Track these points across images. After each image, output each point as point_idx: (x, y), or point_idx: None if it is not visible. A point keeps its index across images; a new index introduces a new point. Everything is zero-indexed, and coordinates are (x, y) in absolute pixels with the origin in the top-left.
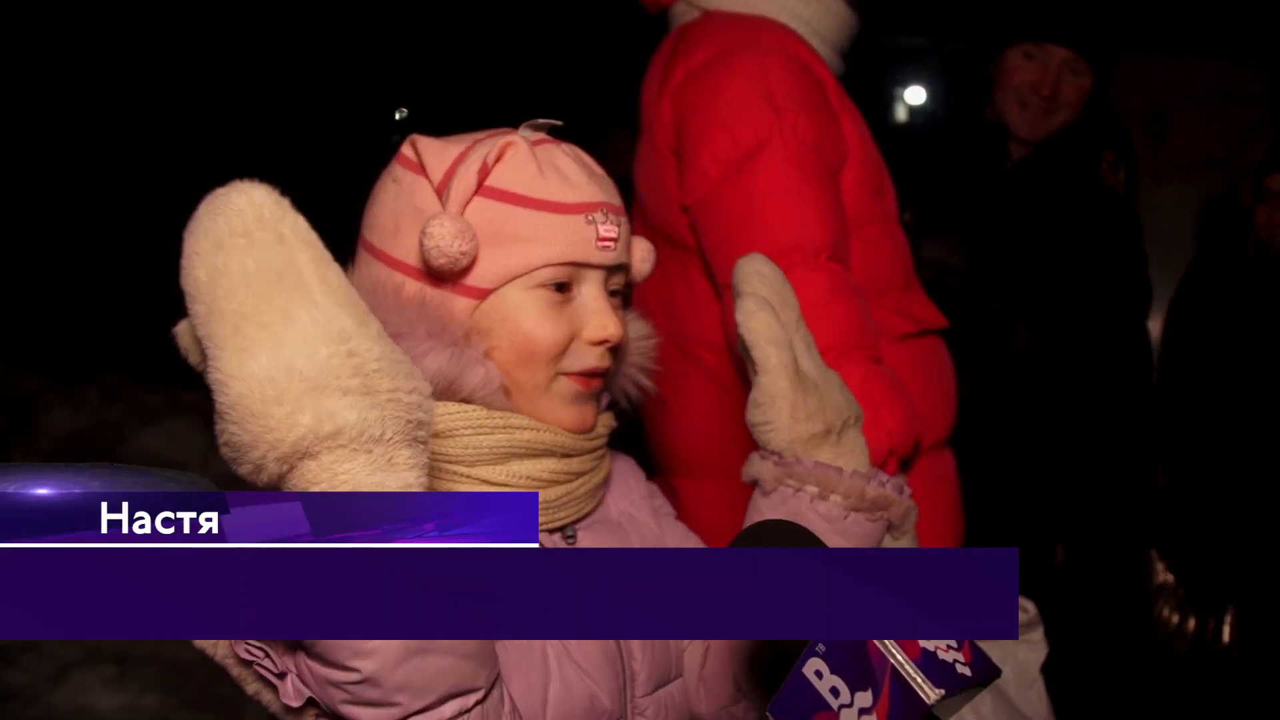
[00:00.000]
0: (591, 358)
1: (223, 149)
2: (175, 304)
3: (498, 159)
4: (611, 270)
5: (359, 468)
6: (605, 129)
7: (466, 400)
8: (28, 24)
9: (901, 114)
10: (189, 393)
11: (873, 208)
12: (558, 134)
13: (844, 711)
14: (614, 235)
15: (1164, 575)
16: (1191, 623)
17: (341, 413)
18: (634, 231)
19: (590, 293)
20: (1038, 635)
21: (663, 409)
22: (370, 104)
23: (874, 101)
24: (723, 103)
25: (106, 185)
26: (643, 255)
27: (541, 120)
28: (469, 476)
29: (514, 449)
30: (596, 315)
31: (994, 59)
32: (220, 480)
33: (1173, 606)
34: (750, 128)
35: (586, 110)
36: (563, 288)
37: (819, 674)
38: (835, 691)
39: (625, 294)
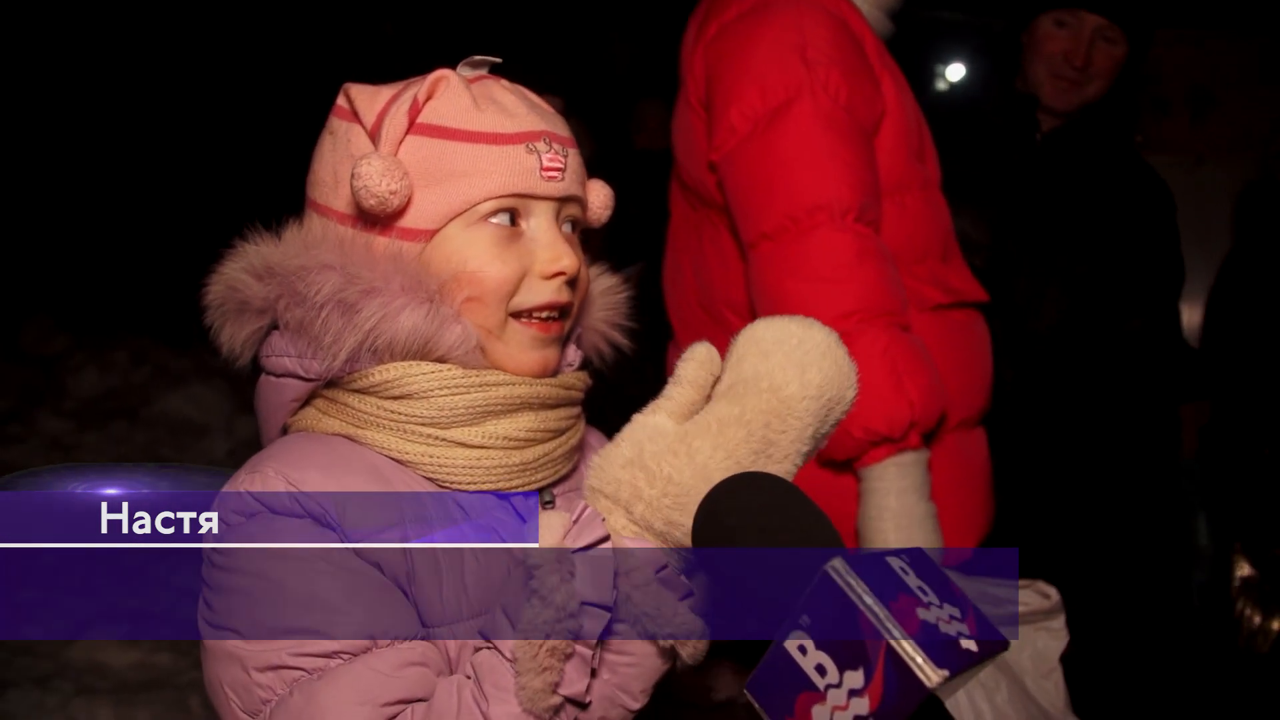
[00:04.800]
0: (547, 291)
1: (249, 118)
2: (205, 268)
3: (429, 96)
4: (563, 202)
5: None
6: (638, 99)
7: (442, 360)
8: None
9: (941, 90)
10: (216, 357)
11: (911, 172)
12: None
13: (831, 692)
14: (559, 165)
15: (1249, 571)
16: (1277, 622)
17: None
18: (670, 193)
19: (540, 225)
20: (1059, 623)
21: None
22: (399, 69)
23: (912, 78)
24: (754, 56)
25: (142, 150)
26: (603, 201)
27: (479, 57)
28: (444, 439)
29: (490, 407)
30: (548, 247)
31: (1025, 27)
32: (244, 444)
33: (1255, 604)
34: (780, 82)
35: (620, 81)
36: (506, 219)
37: (803, 649)
38: (821, 670)
39: (591, 240)
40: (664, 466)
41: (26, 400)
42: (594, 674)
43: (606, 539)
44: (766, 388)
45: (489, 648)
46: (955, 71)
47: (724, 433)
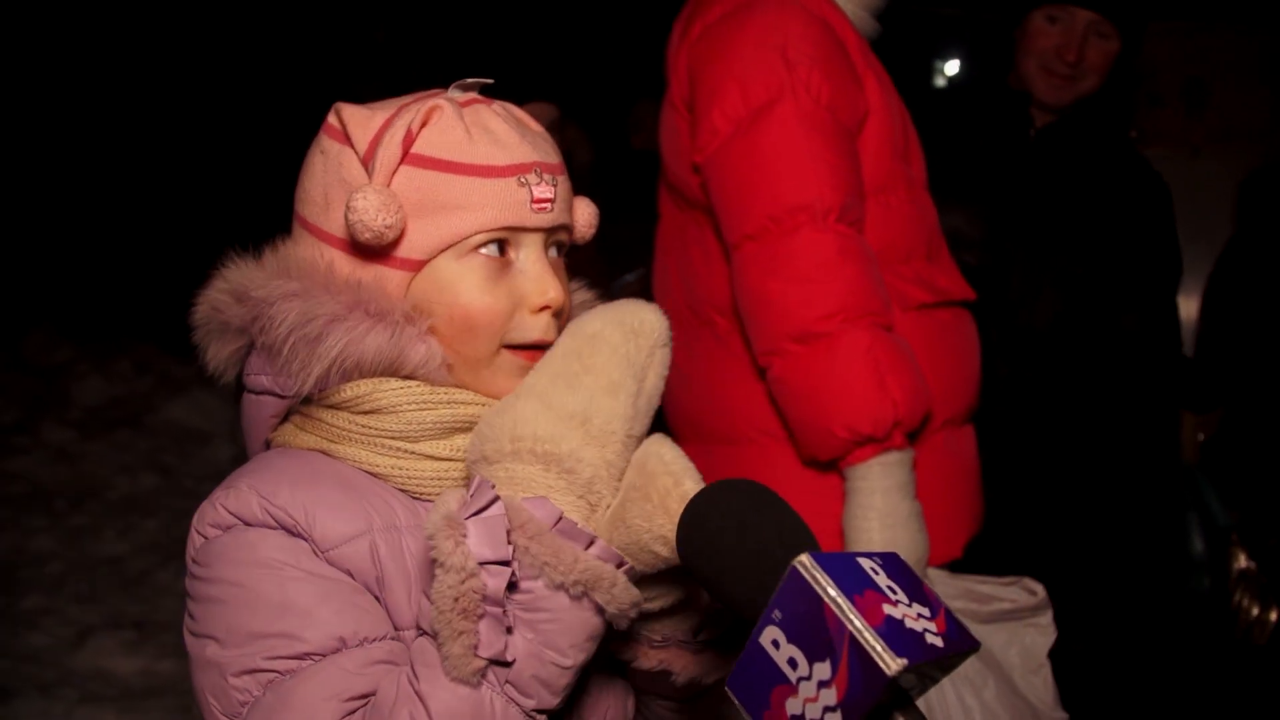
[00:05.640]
0: (537, 329)
1: (247, 126)
2: (208, 276)
3: (423, 125)
4: (550, 232)
5: (542, 489)
6: (632, 100)
7: (409, 377)
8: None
9: (939, 86)
10: None
11: (895, 172)
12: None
13: (803, 685)
14: (549, 196)
15: (1245, 563)
16: (1274, 613)
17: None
18: (659, 195)
19: (529, 257)
20: (1046, 619)
21: (673, 373)
22: (391, 77)
23: (908, 72)
24: (736, 57)
25: (141, 158)
26: (587, 220)
27: (471, 80)
28: (412, 452)
29: (457, 423)
30: (536, 280)
31: (1017, 23)
32: (242, 456)
33: (1253, 595)
34: (761, 83)
35: (614, 82)
36: (498, 252)
37: (776, 644)
38: (793, 663)
39: (574, 254)
40: (488, 412)
41: (31, 410)
42: (510, 632)
43: (496, 500)
44: (574, 332)
45: (422, 634)
46: (953, 67)
47: (537, 368)
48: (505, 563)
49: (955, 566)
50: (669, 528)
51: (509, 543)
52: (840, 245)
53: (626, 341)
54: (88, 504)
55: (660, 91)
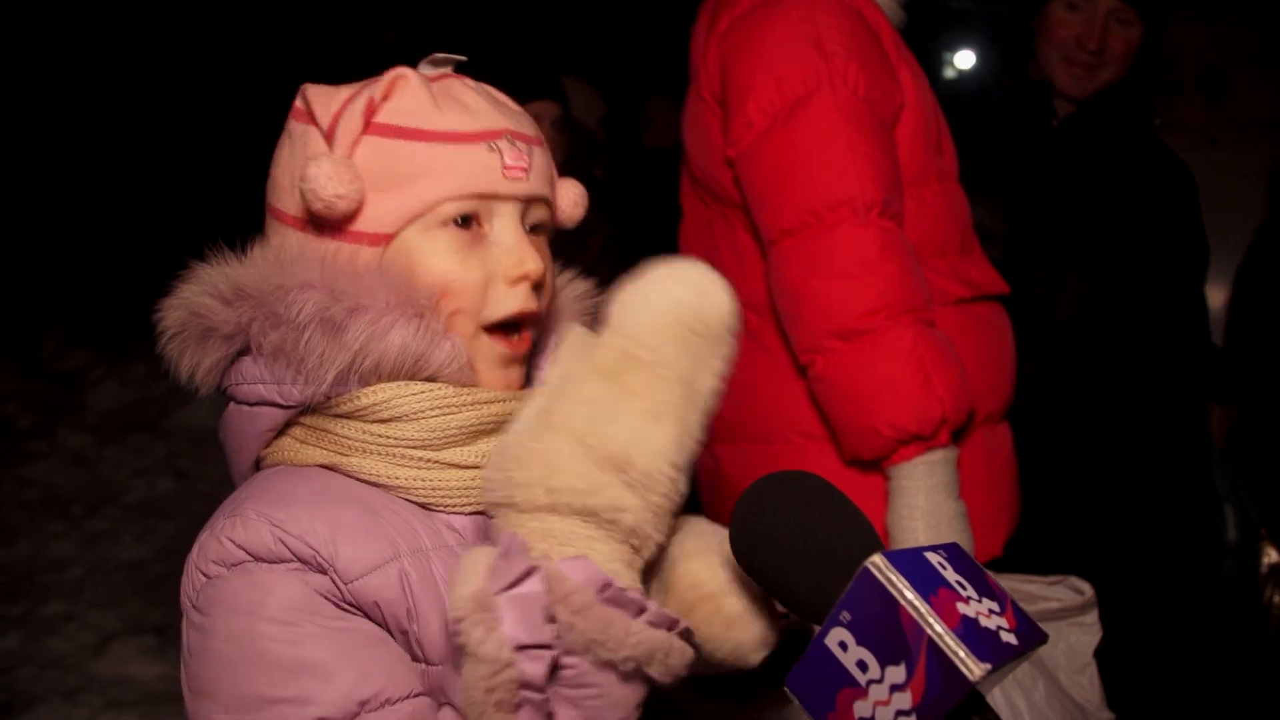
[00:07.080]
0: (514, 300)
1: (261, 130)
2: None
3: (385, 95)
4: (528, 203)
5: (583, 543)
6: (645, 95)
7: (432, 378)
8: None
9: (951, 78)
10: None
11: (929, 164)
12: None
13: (873, 688)
14: (523, 164)
15: (1276, 558)
16: None
17: (630, 506)
18: (680, 189)
19: (504, 227)
20: (1091, 618)
21: None
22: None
23: (923, 66)
24: (769, 49)
25: (157, 164)
26: (573, 200)
27: (442, 55)
28: (437, 461)
29: (483, 425)
30: (511, 251)
31: (1036, 12)
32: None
33: None
34: (798, 75)
35: (626, 77)
36: (467, 221)
37: (844, 645)
38: (863, 665)
39: (594, 241)
40: (515, 440)
41: (47, 416)
42: (551, 717)
43: (533, 571)
44: (614, 328)
45: (449, 705)
46: (965, 59)
47: (565, 388)
48: (547, 646)
49: (996, 565)
50: (721, 642)
51: (550, 620)
52: (882, 240)
53: (676, 340)
54: (105, 509)
55: (669, 88)
